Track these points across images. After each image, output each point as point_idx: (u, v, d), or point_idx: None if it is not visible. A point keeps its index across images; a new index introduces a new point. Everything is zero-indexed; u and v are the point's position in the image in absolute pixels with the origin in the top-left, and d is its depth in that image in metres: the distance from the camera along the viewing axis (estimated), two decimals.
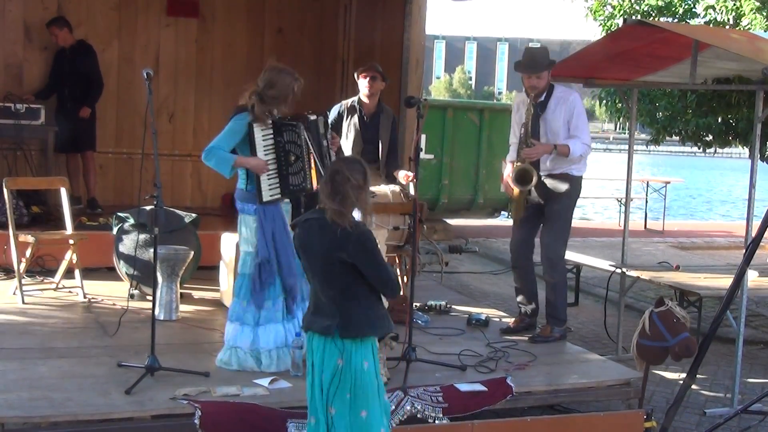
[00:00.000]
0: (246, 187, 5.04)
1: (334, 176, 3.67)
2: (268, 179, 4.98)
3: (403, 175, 6.56)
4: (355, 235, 3.61)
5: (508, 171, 6.01)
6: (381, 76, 6.73)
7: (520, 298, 6.23)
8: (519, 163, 5.87)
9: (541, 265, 6.03)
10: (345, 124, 6.76)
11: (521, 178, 5.86)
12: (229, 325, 5.11)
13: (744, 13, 8.58)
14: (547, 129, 5.88)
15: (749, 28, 8.50)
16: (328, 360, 3.65)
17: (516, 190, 5.93)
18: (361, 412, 3.64)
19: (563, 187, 5.90)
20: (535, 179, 5.81)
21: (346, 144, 6.76)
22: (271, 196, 5.00)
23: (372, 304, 3.72)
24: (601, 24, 9.71)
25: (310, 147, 5.09)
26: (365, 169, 3.74)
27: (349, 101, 6.86)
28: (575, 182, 5.97)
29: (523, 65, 5.88)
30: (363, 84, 6.71)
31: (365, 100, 6.75)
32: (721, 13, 8.78)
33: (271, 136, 5.00)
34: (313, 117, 5.22)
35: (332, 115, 6.82)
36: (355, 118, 6.74)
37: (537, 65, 5.82)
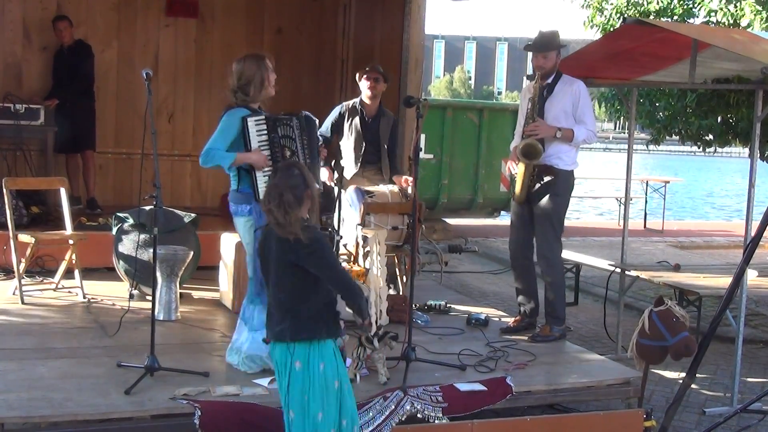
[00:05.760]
0: (238, 187, 4.97)
1: (270, 192, 3.73)
2: (264, 176, 4.90)
3: (403, 179, 6.56)
4: (306, 240, 3.65)
5: (511, 155, 6.05)
6: (383, 78, 6.74)
7: (520, 298, 6.24)
8: (526, 139, 5.88)
9: (538, 264, 6.04)
10: (346, 125, 6.77)
11: (528, 153, 5.84)
12: (240, 325, 5.08)
13: (744, 14, 8.56)
14: (551, 112, 5.89)
15: (749, 28, 8.48)
16: (288, 364, 3.69)
17: (521, 167, 5.92)
18: (317, 414, 3.68)
19: (547, 184, 5.89)
20: (540, 156, 5.79)
21: (348, 145, 6.77)
22: None
23: (322, 307, 3.75)
24: (598, 27, 9.71)
25: (304, 141, 5.07)
26: (303, 175, 3.76)
27: (350, 102, 6.86)
28: (563, 177, 5.94)
29: (531, 45, 5.95)
30: (365, 86, 6.71)
31: (367, 101, 6.75)
32: (723, 15, 8.76)
33: (266, 131, 4.94)
34: (305, 113, 5.19)
35: (333, 115, 6.82)
36: (357, 120, 6.74)
37: (544, 45, 5.89)
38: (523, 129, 5.95)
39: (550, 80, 5.92)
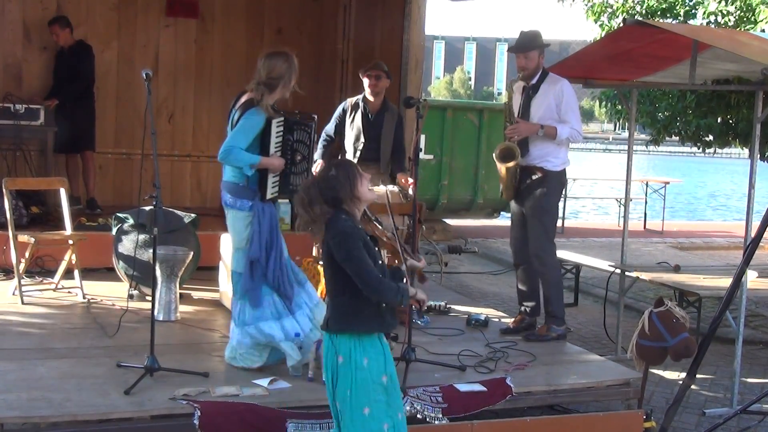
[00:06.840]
0: (241, 182, 4.94)
1: (299, 191, 3.78)
2: (272, 177, 4.92)
3: (404, 179, 6.57)
4: (333, 233, 3.67)
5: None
6: (386, 75, 6.77)
7: (521, 296, 6.23)
8: (504, 142, 5.93)
9: (533, 263, 6.03)
10: (348, 120, 6.80)
11: (504, 155, 5.90)
12: (232, 324, 5.08)
13: (745, 17, 8.52)
14: (537, 112, 5.91)
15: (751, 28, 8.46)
16: (330, 356, 3.70)
17: (503, 170, 5.96)
18: (363, 408, 3.62)
19: (536, 185, 5.91)
20: (518, 158, 5.84)
21: (348, 140, 6.79)
22: (272, 193, 4.96)
23: (362, 300, 3.69)
24: (601, 25, 9.71)
25: (314, 147, 5.08)
26: (338, 176, 3.71)
27: (354, 99, 6.91)
28: (554, 178, 5.95)
29: (514, 46, 5.98)
30: (367, 83, 6.75)
31: (370, 98, 6.79)
32: (727, 11, 8.71)
33: (282, 133, 4.95)
34: (314, 117, 5.21)
35: (337, 114, 6.88)
36: (359, 116, 6.78)
37: (525, 46, 5.91)
38: (504, 132, 5.99)
39: (535, 80, 5.95)
